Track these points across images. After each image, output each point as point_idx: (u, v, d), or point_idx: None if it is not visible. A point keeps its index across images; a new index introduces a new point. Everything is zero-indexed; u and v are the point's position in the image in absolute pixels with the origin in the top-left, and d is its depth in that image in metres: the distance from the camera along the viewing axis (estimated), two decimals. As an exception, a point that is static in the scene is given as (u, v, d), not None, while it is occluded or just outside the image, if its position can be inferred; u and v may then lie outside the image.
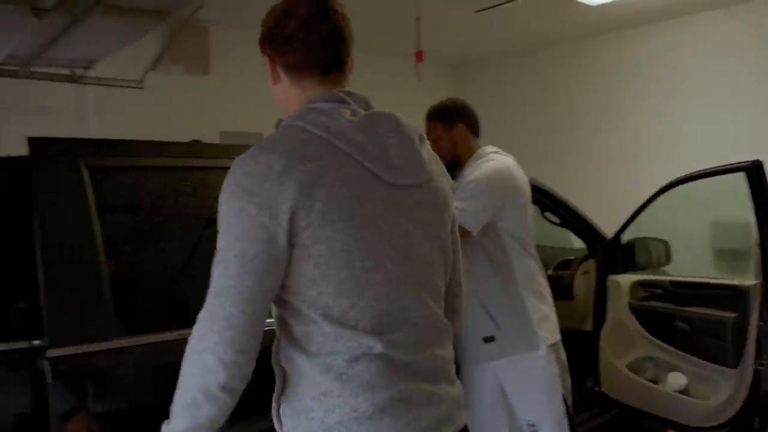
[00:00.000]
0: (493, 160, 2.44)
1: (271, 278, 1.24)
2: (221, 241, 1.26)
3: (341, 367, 1.27)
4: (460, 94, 2.70)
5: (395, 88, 6.46)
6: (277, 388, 1.37)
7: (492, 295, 2.39)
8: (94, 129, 4.89)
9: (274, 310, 1.35)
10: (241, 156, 1.27)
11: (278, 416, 1.36)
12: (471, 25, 6.03)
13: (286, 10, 1.37)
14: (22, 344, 1.77)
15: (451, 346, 1.47)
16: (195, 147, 2.34)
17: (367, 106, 1.40)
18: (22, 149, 2.03)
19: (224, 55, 5.66)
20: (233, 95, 5.68)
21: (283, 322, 1.34)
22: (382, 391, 1.28)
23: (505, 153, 2.50)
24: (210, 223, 2.20)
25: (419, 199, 1.40)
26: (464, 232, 2.05)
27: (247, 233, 1.22)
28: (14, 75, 4.30)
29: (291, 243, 1.23)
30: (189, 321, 2.08)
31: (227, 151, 2.39)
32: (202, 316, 1.26)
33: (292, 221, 1.22)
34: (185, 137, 2.44)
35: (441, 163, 1.52)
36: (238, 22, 5.53)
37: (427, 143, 1.47)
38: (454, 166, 2.42)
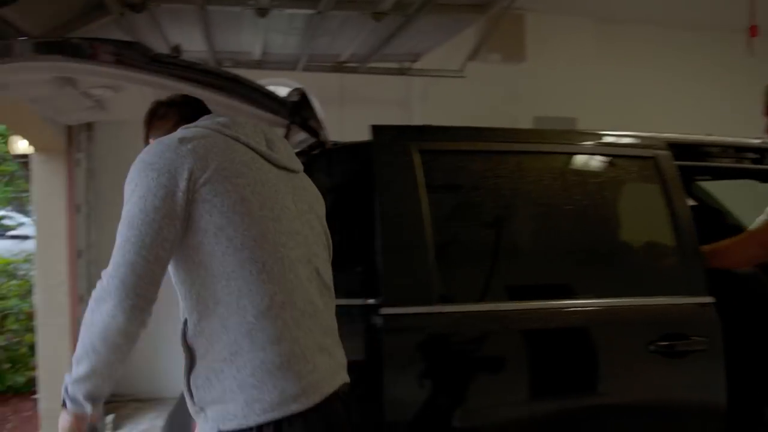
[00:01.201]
0: None
1: (169, 230, 1.40)
2: (127, 205, 1.43)
3: (250, 323, 1.40)
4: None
5: (725, 65, 5.96)
6: (185, 366, 1.48)
7: None
8: (419, 117, 5.35)
9: (180, 290, 1.50)
10: None
11: (189, 389, 1.47)
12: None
13: None
14: (361, 301, 2.11)
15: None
16: (511, 132, 2.50)
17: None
18: (359, 135, 2.41)
19: (539, 41, 5.72)
20: (548, 81, 5.72)
21: (188, 298, 1.47)
22: (288, 342, 1.41)
23: None
24: (525, 205, 2.39)
25: (298, 184, 1.64)
26: None
27: (150, 192, 1.40)
28: (354, 71, 4.95)
29: (189, 199, 1.42)
30: (505, 294, 2.29)
31: (541, 136, 2.51)
32: (107, 269, 1.40)
33: (190, 179, 1.42)
34: (501, 123, 2.62)
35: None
36: (553, 9, 5.59)
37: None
38: None
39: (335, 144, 2.46)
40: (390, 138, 2.23)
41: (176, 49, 2.30)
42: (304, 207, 1.63)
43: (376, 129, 2.22)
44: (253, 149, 1.56)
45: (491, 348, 2.17)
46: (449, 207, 2.27)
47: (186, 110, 1.80)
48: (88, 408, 1.46)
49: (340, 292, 2.10)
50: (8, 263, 7.83)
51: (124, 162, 1.62)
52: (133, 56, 2.12)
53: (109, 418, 4.59)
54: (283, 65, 4.78)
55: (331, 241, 1.77)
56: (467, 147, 2.33)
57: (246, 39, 4.34)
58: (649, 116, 4.98)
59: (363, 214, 2.22)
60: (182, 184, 1.42)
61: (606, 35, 6.01)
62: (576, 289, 2.37)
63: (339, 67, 4.92)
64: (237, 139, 1.55)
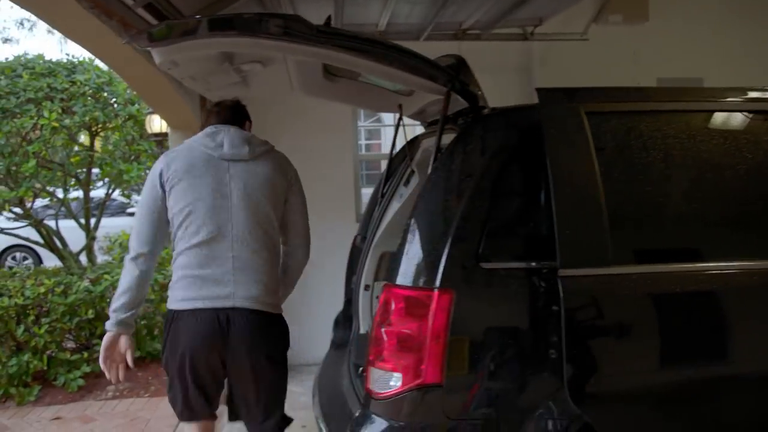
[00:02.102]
0: None
1: (155, 205, 2.56)
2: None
3: (176, 257, 2.56)
4: None
5: None
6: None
7: None
8: (538, 82, 5.24)
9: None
10: None
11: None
12: None
13: None
14: (542, 264, 2.11)
15: (261, 258, 2.56)
16: (677, 91, 2.42)
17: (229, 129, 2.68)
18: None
19: (663, 0, 5.49)
20: (671, 41, 5.50)
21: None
22: (190, 269, 2.50)
23: None
24: (695, 165, 2.31)
25: (237, 170, 2.59)
26: None
27: (147, 187, 2.61)
28: (477, 38, 4.89)
29: (163, 189, 2.56)
30: (675, 256, 2.25)
31: (711, 94, 2.41)
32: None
33: (161, 177, 2.57)
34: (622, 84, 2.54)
35: (279, 160, 2.73)
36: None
37: (257, 143, 2.69)
38: None
39: (493, 110, 2.45)
40: (558, 101, 2.20)
41: (329, 20, 2.33)
42: (235, 188, 2.57)
43: (543, 92, 2.19)
44: (205, 152, 2.60)
45: (669, 309, 2.15)
46: (618, 168, 2.22)
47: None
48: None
49: (512, 255, 2.15)
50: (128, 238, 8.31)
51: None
52: (300, 29, 2.17)
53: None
54: (405, 35, 4.78)
55: (268, 209, 2.61)
56: (633, 107, 2.28)
57: (373, 10, 4.37)
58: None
59: (529, 178, 2.21)
60: (158, 180, 2.65)
61: (730, -8, 5.71)
62: (749, 250, 2.29)
63: (461, 35, 4.88)
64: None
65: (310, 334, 4.98)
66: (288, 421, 2.68)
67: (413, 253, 2.13)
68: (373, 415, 2.17)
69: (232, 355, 2.47)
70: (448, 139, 2.39)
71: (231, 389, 2.66)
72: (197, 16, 2.27)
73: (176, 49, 2.30)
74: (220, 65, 2.65)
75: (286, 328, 2.66)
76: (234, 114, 2.75)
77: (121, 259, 7.60)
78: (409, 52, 2.32)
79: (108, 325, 2.52)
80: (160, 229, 2.57)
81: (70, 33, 2.99)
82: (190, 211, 2.51)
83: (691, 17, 5.58)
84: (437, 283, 2.05)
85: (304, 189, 2.79)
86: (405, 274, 2.12)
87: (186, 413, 2.61)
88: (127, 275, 2.53)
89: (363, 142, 5.56)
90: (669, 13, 5.49)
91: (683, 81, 5.36)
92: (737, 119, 2.36)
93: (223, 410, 4.06)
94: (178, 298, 2.50)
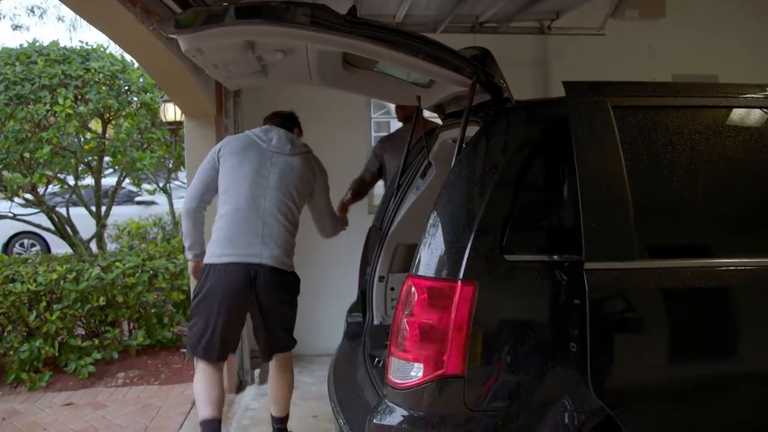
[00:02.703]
0: None
1: (209, 173, 3.39)
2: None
3: (218, 219, 3.32)
4: None
5: None
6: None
7: None
8: (554, 76, 5.25)
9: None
10: None
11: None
12: None
13: None
14: (565, 257, 2.12)
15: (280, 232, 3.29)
16: (702, 87, 2.42)
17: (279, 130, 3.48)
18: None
19: (680, -3, 5.48)
20: (686, 38, 5.47)
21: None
22: (227, 230, 3.24)
23: None
24: (720, 159, 2.31)
25: (278, 160, 3.35)
26: None
27: (206, 158, 3.41)
28: (494, 31, 4.88)
29: (219, 161, 3.36)
30: (707, 250, 2.24)
31: (737, 89, 2.41)
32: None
33: (219, 152, 3.38)
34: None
35: (311, 160, 3.50)
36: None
37: (298, 144, 3.49)
38: None
39: (518, 102, 2.45)
40: (585, 94, 2.19)
41: (354, 10, 2.32)
42: (272, 174, 3.33)
43: (570, 85, 2.18)
44: (256, 143, 3.40)
45: (693, 304, 2.16)
46: (644, 162, 2.21)
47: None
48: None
49: (536, 248, 2.15)
50: (139, 227, 8.32)
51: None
52: (328, 18, 2.17)
53: (256, 372, 4.83)
54: (422, 27, 4.77)
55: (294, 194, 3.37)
56: (659, 102, 2.28)
57: (392, 1, 4.36)
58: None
59: (554, 171, 2.21)
60: (216, 156, 3.46)
61: (747, -10, 5.69)
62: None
63: (478, 28, 4.87)
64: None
65: (321, 325, 5.01)
66: (294, 342, 3.51)
67: (436, 244, 2.13)
68: (393, 405, 2.18)
69: (258, 297, 3.20)
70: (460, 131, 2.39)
71: (256, 329, 3.39)
72: (224, 4, 2.27)
73: (202, 37, 2.31)
74: (243, 54, 2.65)
75: (298, 281, 3.43)
76: (285, 120, 3.60)
77: (130, 247, 7.66)
78: (436, 43, 2.32)
79: (188, 255, 3.51)
80: (208, 191, 3.40)
81: (92, 18, 2.98)
82: (234, 184, 3.28)
83: (708, 15, 5.56)
84: (461, 274, 2.06)
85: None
86: (428, 265, 2.12)
87: (204, 351, 3.24)
88: (185, 223, 3.44)
89: (373, 134, 5.55)
90: (685, 10, 5.47)
91: (698, 78, 5.35)
92: (762, 116, 2.35)
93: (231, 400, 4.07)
94: (215, 254, 3.22)
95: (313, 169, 3.46)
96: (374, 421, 2.20)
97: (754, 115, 2.34)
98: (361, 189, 4.31)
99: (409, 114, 4.04)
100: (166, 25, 2.26)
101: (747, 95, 2.37)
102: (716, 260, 2.22)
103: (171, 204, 8.48)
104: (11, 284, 4.99)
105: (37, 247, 10.84)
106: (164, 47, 3.25)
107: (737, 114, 2.35)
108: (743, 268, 2.20)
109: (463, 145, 2.32)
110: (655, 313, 2.13)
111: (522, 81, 4.20)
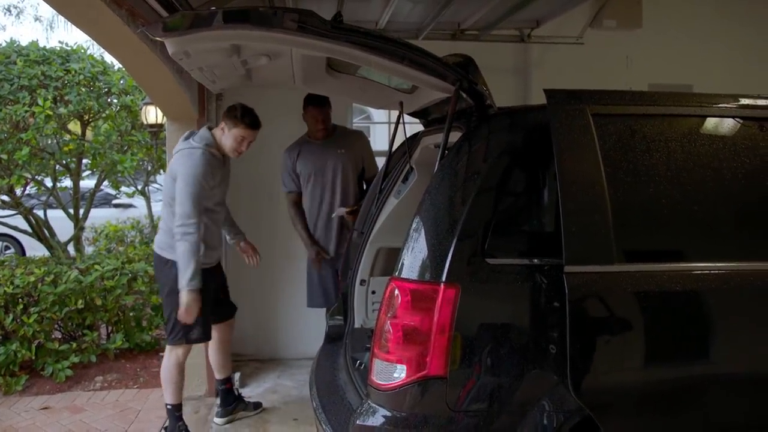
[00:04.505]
0: None
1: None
2: None
3: None
4: None
5: None
6: None
7: None
8: (534, 84, 5.32)
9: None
10: None
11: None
12: None
13: None
14: (546, 261, 2.17)
15: None
16: (680, 96, 2.48)
17: None
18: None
19: (656, 8, 5.58)
20: (662, 49, 5.59)
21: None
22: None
23: None
24: (696, 167, 2.37)
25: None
26: None
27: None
28: (475, 38, 4.94)
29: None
30: (683, 255, 2.30)
31: (711, 99, 2.48)
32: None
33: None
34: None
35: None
36: (672, -27, 5.42)
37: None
38: None
39: (500, 109, 2.49)
40: (566, 102, 2.24)
41: (340, 16, 2.36)
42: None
43: (551, 93, 2.24)
44: None
45: (672, 307, 2.22)
46: (623, 169, 2.27)
47: None
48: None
49: (517, 252, 2.19)
50: (117, 230, 8.26)
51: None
52: (315, 23, 2.19)
53: (237, 375, 4.82)
54: (404, 34, 4.81)
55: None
56: (637, 111, 2.34)
57: (375, 7, 4.40)
58: (768, 83, 4.80)
59: (535, 177, 2.26)
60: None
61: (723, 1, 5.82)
62: (747, 251, 2.36)
63: (459, 35, 4.93)
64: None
65: (301, 329, 5.02)
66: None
67: (420, 247, 2.17)
68: (376, 406, 2.21)
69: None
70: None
71: None
72: (212, 8, 2.29)
73: (189, 41, 2.32)
74: (228, 57, 2.67)
75: None
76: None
77: (108, 250, 7.59)
78: (420, 50, 2.36)
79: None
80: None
81: (76, 19, 2.98)
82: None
83: (683, 26, 5.68)
84: (444, 277, 2.09)
85: None
86: (411, 268, 2.16)
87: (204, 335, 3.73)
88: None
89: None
90: (662, 21, 5.59)
91: (673, 87, 5.46)
92: (737, 125, 2.42)
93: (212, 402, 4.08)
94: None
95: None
96: (357, 422, 2.23)
97: (728, 124, 2.42)
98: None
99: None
100: (153, 27, 2.27)
101: (721, 105, 2.45)
102: (692, 264, 2.28)
103: (149, 207, 8.42)
104: (-13, 287, 4.93)
105: (12, 250, 10.69)
106: (149, 50, 3.25)
107: (712, 122, 2.42)
108: (717, 271, 2.26)
109: (446, 151, 2.36)
110: (632, 315, 2.19)
111: (503, 88, 4.26)
